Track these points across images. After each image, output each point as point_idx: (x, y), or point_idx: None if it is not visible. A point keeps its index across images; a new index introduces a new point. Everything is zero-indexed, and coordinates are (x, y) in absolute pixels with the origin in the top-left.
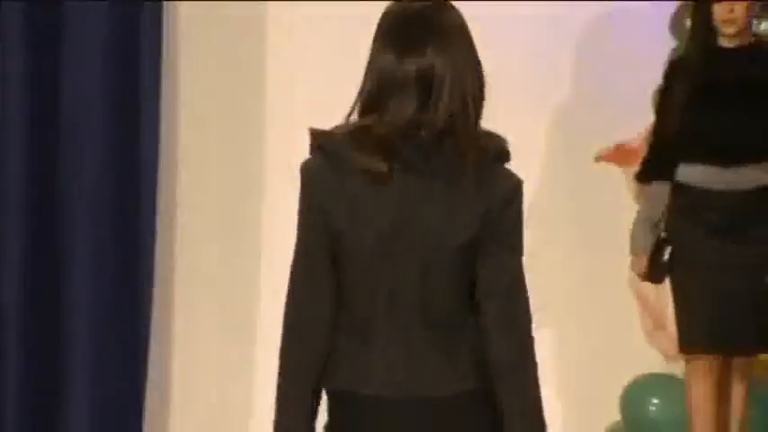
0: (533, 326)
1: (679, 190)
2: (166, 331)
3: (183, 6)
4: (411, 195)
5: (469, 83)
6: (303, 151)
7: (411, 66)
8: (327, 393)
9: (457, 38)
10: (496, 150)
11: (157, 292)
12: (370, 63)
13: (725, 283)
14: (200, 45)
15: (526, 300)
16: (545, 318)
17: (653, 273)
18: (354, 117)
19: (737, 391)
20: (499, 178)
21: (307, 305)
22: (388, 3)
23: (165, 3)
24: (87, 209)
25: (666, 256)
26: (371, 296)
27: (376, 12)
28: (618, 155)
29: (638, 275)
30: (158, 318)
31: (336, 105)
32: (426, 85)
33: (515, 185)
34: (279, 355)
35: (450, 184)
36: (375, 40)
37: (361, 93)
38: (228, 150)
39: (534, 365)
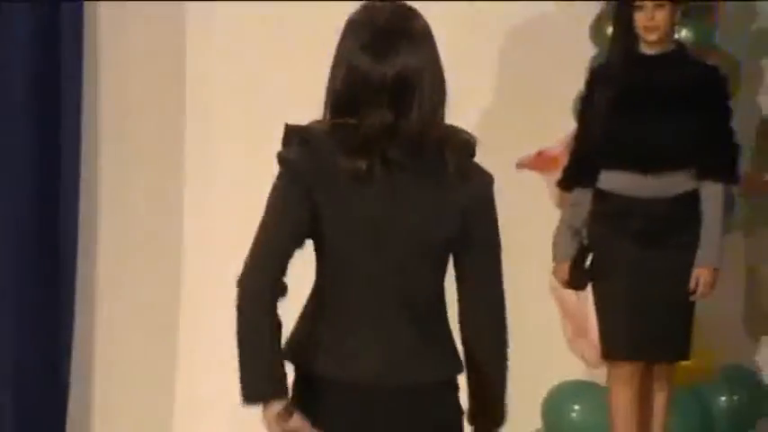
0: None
1: (601, 197)
2: (89, 338)
3: (102, 6)
4: (394, 192)
5: (438, 84)
6: (223, 150)
7: (387, 69)
8: (304, 378)
9: (427, 42)
10: (469, 146)
11: (79, 297)
12: (339, 64)
13: (646, 290)
14: (121, 46)
15: (503, 291)
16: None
17: (575, 280)
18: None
19: (659, 398)
20: (475, 174)
21: (259, 289)
22: (301, 3)
23: (85, 3)
24: (10, 211)
25: (588, 263)
26: (353, 287)
27: (293, 12)
28: (539, 161)
29: (560, 282)
30: (80, 324)
31: (255, 104)
32: (402, 87)
33: (490, 180)
34: (237, 319)
35: (431, 180)
36: (345, 42)
37: (331, 92)
38: (148, 153)
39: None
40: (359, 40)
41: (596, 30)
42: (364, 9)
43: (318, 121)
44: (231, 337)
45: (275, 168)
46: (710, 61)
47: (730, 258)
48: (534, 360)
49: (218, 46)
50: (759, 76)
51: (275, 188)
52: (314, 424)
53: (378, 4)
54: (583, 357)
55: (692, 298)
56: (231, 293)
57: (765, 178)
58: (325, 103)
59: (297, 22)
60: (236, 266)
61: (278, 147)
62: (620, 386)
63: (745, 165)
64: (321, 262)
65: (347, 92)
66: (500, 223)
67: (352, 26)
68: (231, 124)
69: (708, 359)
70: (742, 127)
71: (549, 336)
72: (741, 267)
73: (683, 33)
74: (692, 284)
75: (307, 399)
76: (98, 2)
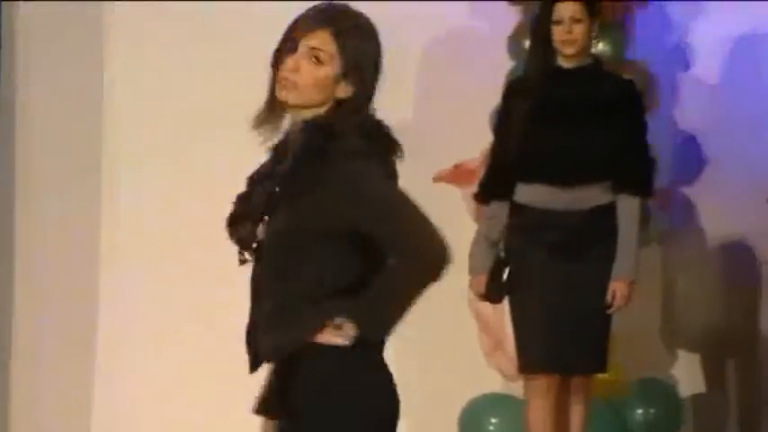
0: None
1: (518, 210)
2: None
3: (23, 6)
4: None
5: None
6: (143, 147)
7: None
8: None
9: None
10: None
11: None
12: None
13: (562, 302)
14: (39, 45)
15: None
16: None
17: (491, 293)
18: None
19: (576, 411)
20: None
21: None
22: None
23: (3, 3)
24: None
25: (505, 277)
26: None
27: (214, 9)
28: (456, 175)
29: (477, 295)
30: None
31: (175, 102)
32: None
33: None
34: None
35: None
36: None
37: None
38: (66, 149)
39: None
40: None
41: (514, 43)
42: None
43: None
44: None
45: (197, 167)
46: (627, 75)
47: (647, 271)
48: (452, 373)
49: (136, 47)
50: (675, 90)
51: None
52: None
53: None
54: (500, 370)
55: (608, 311)
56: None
57: (682, 192)
58: None
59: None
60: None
61: (202, 148)
62: (537, 399)
63: (661, 178)
64: None
65: None
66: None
67: None
68: (151, 125)
69: (625, 372)
70: (658, 140)
71: (466, 349)
72: (658, 280)
73: (600, 47)
74: (608, 297)
75: None
76: (17, 1)
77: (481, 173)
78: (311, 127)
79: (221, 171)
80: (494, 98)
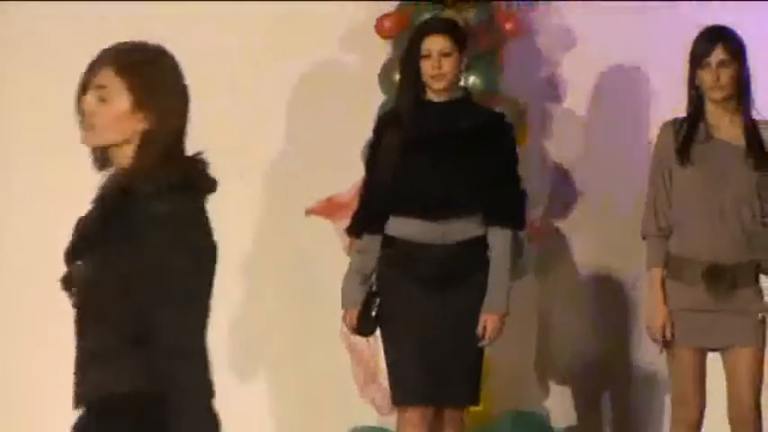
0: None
1: (389, 242)
2: None
3: None
4: None
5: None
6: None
7: None
8: None
9: None
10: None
11: None
12: None
13: (434, 334)
14: None
15: None
16: (258, 369)
17: (363, 326)
18: None
19: None
20: None
21: None
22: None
23: None
24: None
25: (375, 310)
26: None
27: (88, 11)
28: (329, 208)
29: (349, 329)
30: None
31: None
32: None
33: None
34: None
35: None
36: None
37: None
38: None
39: None
40: None
41: (384, 77)
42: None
43: None
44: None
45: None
46: (497, 107)
47: (522, 303)
48: (326, 406)
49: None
50: (545, 122)
51: None
52: None
53: None
54: (373, 403)
55: (479, 344)
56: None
57: (554, 224)
58: None
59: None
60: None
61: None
62: (410, 430)
63: (534, 211)
64: None
65: None
66: (292, 268)
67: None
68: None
69: (498, 404)
70: (529, 172)
71: (340, 382)
72: (532, 312)
73: (471, 80)
74: (479, 330)
75: None
76: None
77: (353, 206)
78: (111, 178)
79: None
80: (365, 131)
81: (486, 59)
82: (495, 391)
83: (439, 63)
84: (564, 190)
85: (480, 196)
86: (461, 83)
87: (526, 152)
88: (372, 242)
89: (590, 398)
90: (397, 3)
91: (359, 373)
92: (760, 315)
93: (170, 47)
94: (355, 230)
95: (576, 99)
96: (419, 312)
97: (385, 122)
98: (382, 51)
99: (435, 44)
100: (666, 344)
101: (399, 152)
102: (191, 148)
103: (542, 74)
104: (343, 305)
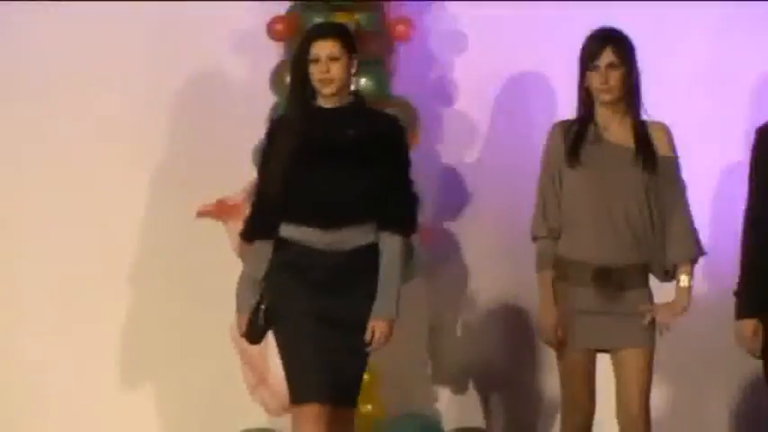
0: None
1: (282, 246)
2: None
3: None
4: None
5: None
6: None
7: None
8: None
9: None
10: None
11: None
12: None
13: (327, 335)
14: None
15: None
16: (147, 372)
17: (253, 332)
18: None
19: None
20: None
21: None
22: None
23: None
24: None
25: (263, 317)
26: None
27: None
28: (219, 209)
29: (240, 334)
30: None
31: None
32: None
33: None
34: None
35: None
36: None
37: None
38: None
39: None
40: None
41: (276, 79)
42: None
43: None
44: None
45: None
46: (390, 110)
47: (412, 305)
48: (215, 408)
49: None
50: (436, 124)
51: None
52: None
53: None
54: (264, 405)
55: (368, 349)
56: None
57: (445, 227)
58: None
59: None
60: None
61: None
62: (307, 429)
63: (425, 214)
64: None
65: None
66: (181, 270)
67: None
68: None
69: (388, 406)
70: (419, 174)
71: (230, 384)
72: (424, 314)
73: (362, 83)
74: (367, 336)
75: None
76: None
77: (244, 208)
78: None
79: None
80: (256, 133)
81: (377, 63)
82: (386, 393)
83: (327, 67)
84: (454, 192)
85: (371, 204)
86: (352, 87)
87: (417, 154)
88: (265, 247)
89: (481, 400)
90: (289, 5)
91: (249, 374)
92: (648, 317)
93: (58, 47)
94: (248, 236)
95: (466, 101)
96: (311, 314)
97: (277, 128)
98: (274, 54)
99: (324, 49)
100: (557, 345)
101: (291, 159)
102: (79, 151)
103: (433, 76)
104: (238, 311)
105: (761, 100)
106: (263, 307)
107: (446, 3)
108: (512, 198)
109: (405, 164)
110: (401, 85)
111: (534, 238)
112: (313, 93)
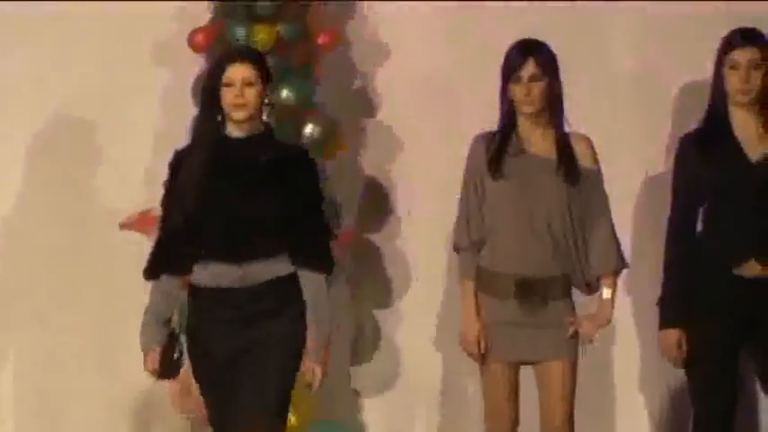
0: None
1: (194, 292)
2: None
3: None
4: None
5: None
6: None
7: None
8: None
9: None
10: None
11: None
12: None
13: (244, 363)
14: None
15: None
16: (66, 382)
17: (166, 369)
18: None
19: None
20: None
21: None
22: None
23: None
24: None
25: (178, 353)
26: None
27: None
28: (142, 222)
29: (151, 373)
30: None
31: None
32: None
33: None
34: None
35: None
36: None
37: None
38: None
39: None
40: None
41: (197, 90)
42: None
43: None
44: None
45: None
46: (312, 120)
47: (336, 313)
48: (138, 419)
49: None
50: (359, 134)
51: None
52: None
53: None
54: (188, 416)
55: (311, 391)
56: None
57: (367, 237)
58: None
59: None
60: None
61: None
62: None
63: (349, 221)
64: None
65: None
66: (103, 281)
67: None
68: None
69: (312, 416)
70: (343, 185)
71: (154, 394)
72: (348, 323)
73: (285, 94)
74: (307, 377)
75: None
76: None
77: None
78: None
79: None
80: (176, 144)
81: (301, 73)
82: (310, 402)
83: (242, 92)
84: (377, 202)
85: (283, 237)
86: (264, 116)
87: (340, 164)
88: (172, 283)
89: (404, 410)
90: (210, 16)
91: (173, 385)
92: (571, 329)
93: None
94: (152, 272)
95: (389, 111)
96: (226, 350)
97: (180, 158)
98: (194, 64)
99: (238, 72)
100: (480, 357)
101: (196, 191)
102: None
103: (356, 86)
104: (143, 349)
105: (683, 111)
106: (177, 343)
107: (372, 7)
108: (435, 208)
109: (316, 197)
110: (324, 96)
111: (456, 249)
112: (223, 120)
